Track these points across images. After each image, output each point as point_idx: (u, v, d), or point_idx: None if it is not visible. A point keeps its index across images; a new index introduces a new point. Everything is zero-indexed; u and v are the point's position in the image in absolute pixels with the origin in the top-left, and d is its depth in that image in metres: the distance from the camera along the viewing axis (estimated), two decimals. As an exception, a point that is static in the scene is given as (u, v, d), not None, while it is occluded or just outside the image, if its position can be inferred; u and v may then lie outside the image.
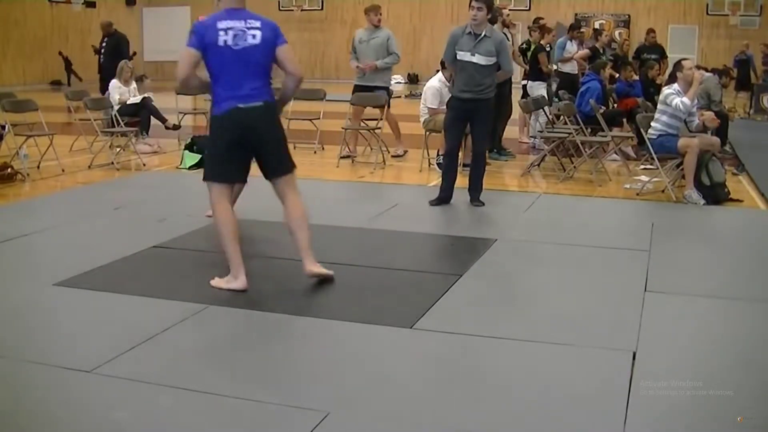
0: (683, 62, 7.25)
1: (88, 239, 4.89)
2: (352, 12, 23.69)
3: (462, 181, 7.22)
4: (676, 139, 6.94)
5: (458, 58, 6.39)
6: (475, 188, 6.63)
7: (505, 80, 9.27)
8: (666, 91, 7.16)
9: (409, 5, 24.46)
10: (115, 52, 11.76)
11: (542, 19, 11.63)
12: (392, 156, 8.99)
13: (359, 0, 23.48)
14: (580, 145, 8.35)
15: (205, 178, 4.26)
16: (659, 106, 7.18)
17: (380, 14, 8.97)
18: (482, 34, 6.31)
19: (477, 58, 6.32)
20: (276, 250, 5.04)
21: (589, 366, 3.36)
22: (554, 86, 10.66)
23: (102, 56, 12.23)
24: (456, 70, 6.52)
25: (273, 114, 4.28)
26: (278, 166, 4.30)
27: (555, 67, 10.89)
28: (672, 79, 10.39)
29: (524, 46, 10.62)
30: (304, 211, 4.36)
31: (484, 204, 6.53)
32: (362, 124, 9.14)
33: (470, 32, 6.33)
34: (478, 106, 6.41)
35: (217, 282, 4.27)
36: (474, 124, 6.54)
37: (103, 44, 12.26)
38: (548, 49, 10.62)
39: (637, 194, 7.27)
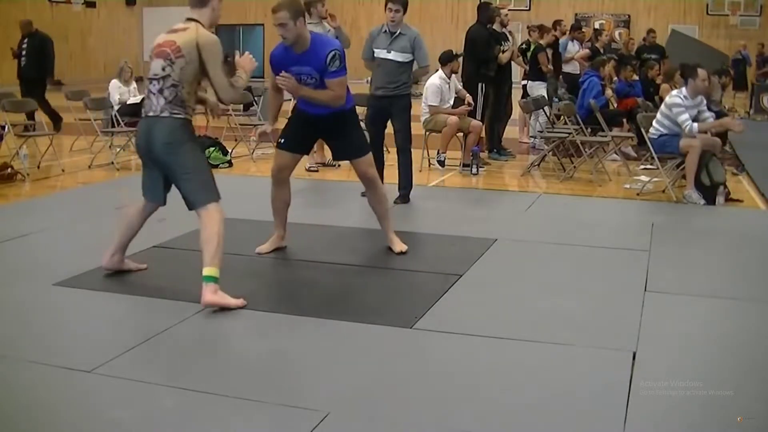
0: (699, 71, 6.89)
1: (88, 239, 4.89)
2: (352, 12, 23.64)
3: (461, 181, 7.22)
4: (677, 140, 6.93)
5: (375, 55, 6.52)
6: (404, 185, 6.64)
7: (504, 80, 9.33)
8: (673, 100, 6.92)
9: (409, 5, 24.43)
10: (37, 53, 10.98)
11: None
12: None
13: (359, 0, 23.57)
14: (580, 145, 8.35)
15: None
16: (663, 109, 7.07)
17: (326, 5, 7.68)
18: (397, 32, 6.45)
19: (393, 55, 6.45)
20: (276, 250, 5.04)
21: (589, 366, 3.36)
22: (561, 89, 10.63)
23: (23, 59, 11.09)
24: (373, 68, 6.60)
25: None
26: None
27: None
28: (668, 79, 10.42)
29: (524, 46, 10.61)
30: None
31: (409, 201, 6.54)
32: None
33: (386, 30, 6.49)
34: (394, 103, 6.49)
35: None
36: (393, 121, 6.60)
37: (23, 45, 11.18)
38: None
39: (637, 194, 7.27)
